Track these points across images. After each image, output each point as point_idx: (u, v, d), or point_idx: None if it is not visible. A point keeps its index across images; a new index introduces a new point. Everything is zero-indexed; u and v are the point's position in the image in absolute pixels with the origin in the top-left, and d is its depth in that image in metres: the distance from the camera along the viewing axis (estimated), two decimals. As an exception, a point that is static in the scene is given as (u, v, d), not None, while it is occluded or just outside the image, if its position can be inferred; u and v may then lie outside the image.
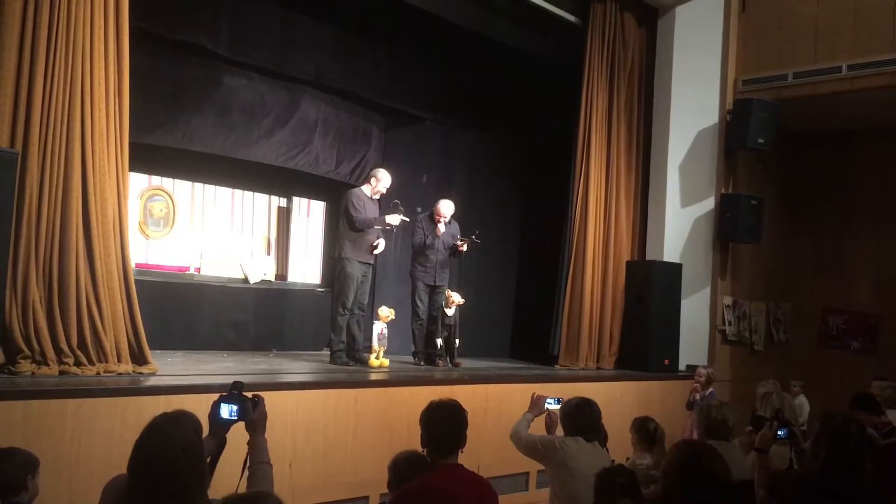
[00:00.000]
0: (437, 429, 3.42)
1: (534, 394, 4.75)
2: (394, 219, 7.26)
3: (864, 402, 5.57)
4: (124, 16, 5.26)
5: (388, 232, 7.36)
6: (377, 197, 7.43)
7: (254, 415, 2.96)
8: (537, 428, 4.62)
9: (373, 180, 7.38)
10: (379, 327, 7.20)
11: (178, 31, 7.00)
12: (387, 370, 7.03)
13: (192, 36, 7.11)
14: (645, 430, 5.00)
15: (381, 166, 8.21)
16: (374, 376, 6.60)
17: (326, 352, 7.64)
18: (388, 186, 7.41)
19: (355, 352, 7.27)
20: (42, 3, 4.82)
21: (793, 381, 8.29)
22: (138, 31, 5.55)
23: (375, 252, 7.40)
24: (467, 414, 3.51)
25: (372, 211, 7.33)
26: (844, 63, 8.56)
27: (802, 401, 8.01)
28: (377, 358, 7.11)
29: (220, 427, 2.95)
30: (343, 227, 7.27)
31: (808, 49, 8.89)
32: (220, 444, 2.92)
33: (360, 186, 7.54)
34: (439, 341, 7.62)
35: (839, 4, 8.72)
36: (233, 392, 2.97)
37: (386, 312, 7.27)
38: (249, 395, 3.00)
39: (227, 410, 2.93)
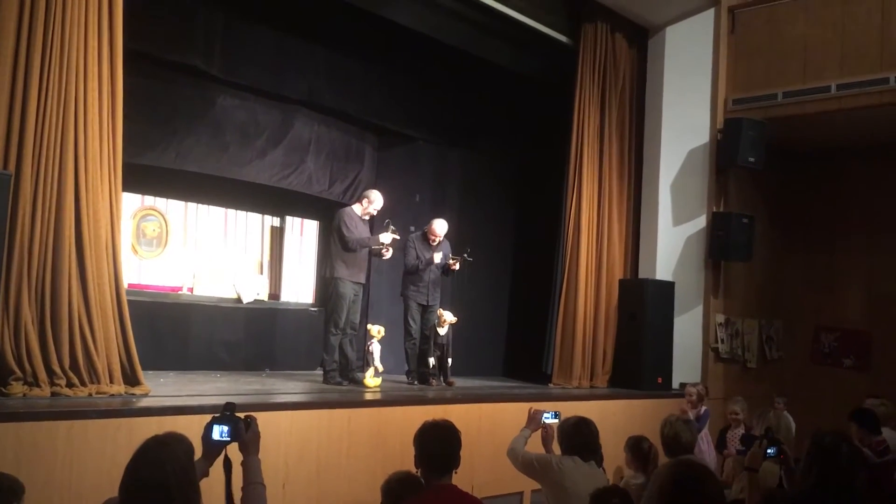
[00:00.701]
0: (431, 449, 3.42)
1: (531, 408, 4.74)
2: (386, 237, 7.26)
3: (863, 417, 5.58)
4: (118, 37, 5.28)
5: (381, 251, 7.35)
6: (367, 217, 7.44)
7: (247, 435, 2.95)
8: (535, 442, 4.61)
9: (365, 201, 7.38)
10: (378, 346, 7.19)
11: (171, 52, 7.04)
12: (380, 389, 7.01)
13: (185, 57, 7.14)
14: (639, 450, 5.00)
15: (374, 186, 8.22)
16: (367, 396, 6.59)
17: (319, 371, 7.62)
18: (379, 208, 7.42)
19: (349, 371, 7.25)
20: (36, 25, 4.84)
21: (777, 398, 8.29)
22: (132, 52, 5.56)
23: (385, 257, 7.39)
24: (461, 434, 3.51)
25: (363, 230, 7.33)
26: (833, 83, 8.66)
27: (787, 418, 8.02)
28: (371, 377, 7.09)
29: (214, 448, 2.94)
30: (335, 246, 7.26)
31: (796, 69, 8.99)
32: (227, 465, 2.91)
33: (350, 205, 7.55)
34: (432, 360, 7.61)
35: (827, 25, 8.83)
36: (225, 413, 2.97)
37: (378, 329, 7.28)
38: (242, 415, 3.00)
39: (219, 431, 2.93)
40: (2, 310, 4.61)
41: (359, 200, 7.51)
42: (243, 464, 2.94)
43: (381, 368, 7.15)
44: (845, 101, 8.67)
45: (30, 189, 4.79)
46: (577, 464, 4.21)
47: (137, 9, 5.67)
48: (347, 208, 7.45)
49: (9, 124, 4.73)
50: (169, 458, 2.51)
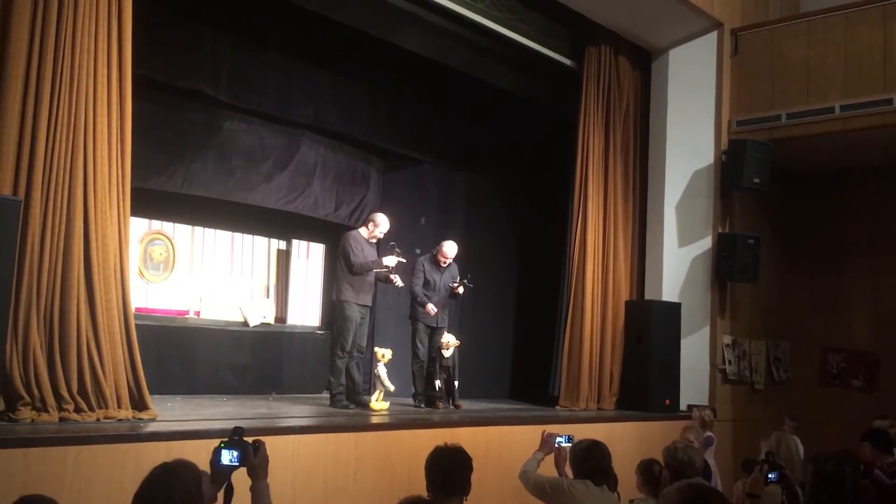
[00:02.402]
0: (443, 474, 3.42)
1: (544, 431, 4.73)
2: (391, 260, 7.29)
3: (875, 437, 5.55)
4: (127, 64, 5.33)
5: (388, 276, 7.37)
6: (374, 241, 7.46)
7: (255, 460, 2.94)
8: (548, 466, 4.59)
9: (371, 224, 7.40)
10: (384, 369, 7.19)
11: (178, 77, 7.09)
12: (387, 413, 7.00)
13: (192, 82, 7.19)
14: (650, 473, 4.98)
15: (380, 209, 8.25)
16: (374, 419, 6.57)
17: (326, 395, 7.61)
18: (385, 231, 7.43)
19: (355, 395, 7.24)
20: (46, 51, 4.88)
21: (787, 421, 8.22)
22: (139, 77, 5.61)
23: (396, 283, 7.43)
24: (472, 460, 3.51)
25: (369, 254, 7.35)
26: (837, 104, 8.69)
27: (795, 441, 7.94)
28: (378, 401, 7.09)
29: (222, 473, 2.93)
30: (341, 270, 7.27)
31: (800, 90, 9.02)
32: (228, 491, 2.91)
33: (357, 229, 7.57)
34: (438, 383, 7.59)
35: (829, 47, 8.87)
36: (233, 437, 2.96)
37: (383, 352, 7.29)
38: (250, 440, 2.99)
39: (228, 456, 2.92)
40: (11, 335, 4.60)
41: (365, 224, 7.53)
42: (252, 489, 2.93)
43: (392, 388, 7.16)
44: (849, 122, 8.69)
45: (39, 215, 4.81)
46: (588, 488, 4.17)
47: (146, 35, 5.73)
48: (354, 231, 7.47)
49: (18, 150, 4.75)
50: (177, 487, 2.51)
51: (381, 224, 7.40)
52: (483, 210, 9.96)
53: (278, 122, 8.17)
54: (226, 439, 2.96)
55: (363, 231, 7.42)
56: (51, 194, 4.87)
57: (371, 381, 7.37)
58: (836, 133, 8.87)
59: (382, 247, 7.65)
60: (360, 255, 7.21)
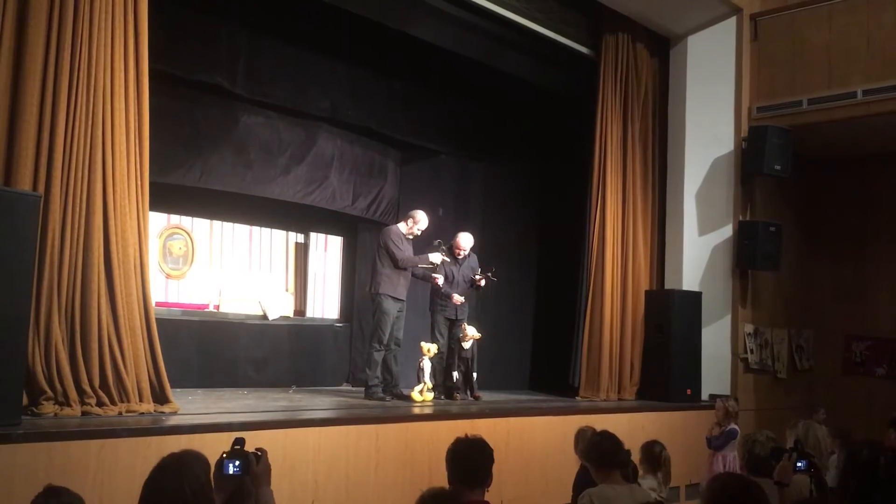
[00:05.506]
0: (464, 465, 3.40)
1: None
2: (436, 257, 7.34)
3: None
4: (144, 58, 5.33)
5: (431, 275, 7.42)
6: (411, 237, 7.46)
7: (257, 468, 2.97)
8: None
9: (410, 221, 7.42)
10: (429, 364, 7.22)
11: (195, 71, 7.11)
12: (431, 404, 7.03)
13: (209, 76, 7.21)
14: (650, 453, 4.99)
15: (398, 200, 8.24)
16: (394, 411, 6.57)
17: (345, 387, 7.63)
18: (423, 228, 7.46)
19: (393, 387, 7.28)
20: (63, 47, 4.90)
21: (818, 409, 8.13)
22: (157, 72, 5.62)
23: (438, 281, 7.48)
24: (493, 451, 3.49)
25: (408, 249, 7.37)
26: (859, 88, 8.55)
27: (822, 430, 7.85)
28: (421, 393, 7.17)
29: (226, 483, 2.96)
30: (380, 263, 7.28)
31: (821, 75, 8.89)
32: (237, 499, 2.92)
33: (396, 224, 7.57)
34: (456, 374, 7.59)
35: (851, 31, 8.73)
36: (235, 448, 3.00)
37: (429, 347, 7.33)
38: (252, 449, 3.02)
39: (231, 467, 2.96)
40: (32, 330, 4.64)
41: (404, 219, 7.54)
42: (255, 496, 2.96)
43: (430, 385, 7.24)
44: (872, 107, 8.55)
45: (59, 210, 4.84)
46: (615, 490, 3.93)
47: (162, 29, 5.74)
48: (394, 226, 7.49)
49: (37, 145, 4.78)
50: (187, 476, 2.55)
51: (421, 221, 7.43)
52: (501, 200, 9.93)
53: (295, 115, 8.17)
54: (228, 451, 3.00)
55: (402, 226, 7.44)
56: (70, 189, 4.90)
57: (417, 375, 7.35)
58: (859, 118, 8.73)
59: (425, 243, 7.63)
60: (403, 250, 7.22)
